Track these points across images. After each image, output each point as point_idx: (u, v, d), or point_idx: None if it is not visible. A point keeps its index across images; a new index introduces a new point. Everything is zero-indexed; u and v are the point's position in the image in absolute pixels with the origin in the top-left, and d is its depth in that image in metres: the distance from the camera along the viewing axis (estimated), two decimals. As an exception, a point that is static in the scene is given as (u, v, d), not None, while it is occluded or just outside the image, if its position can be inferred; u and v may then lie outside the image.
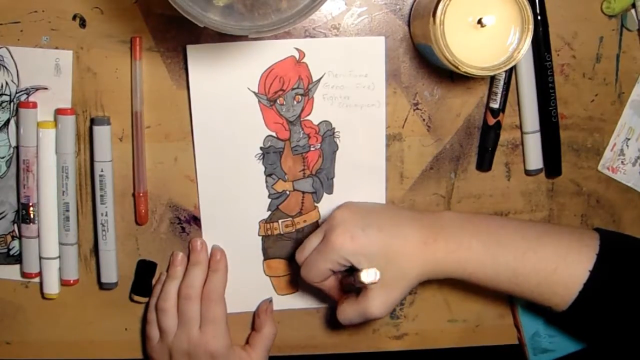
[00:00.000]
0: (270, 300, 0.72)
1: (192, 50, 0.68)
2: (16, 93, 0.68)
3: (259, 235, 0.72)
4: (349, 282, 0.62)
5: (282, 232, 0.72)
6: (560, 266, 0.58)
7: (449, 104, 0.71)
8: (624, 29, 0.70)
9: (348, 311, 0.63)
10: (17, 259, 0.71)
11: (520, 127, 0.71)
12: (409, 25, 0.69)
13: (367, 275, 0.57)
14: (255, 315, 0.72)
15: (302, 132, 0.70)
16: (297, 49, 0.68)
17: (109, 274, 0.70)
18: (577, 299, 0.58)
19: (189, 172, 0.70)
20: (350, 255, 0.60)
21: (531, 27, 0.61)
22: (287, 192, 0.71)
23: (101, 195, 0.68)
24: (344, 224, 0.60)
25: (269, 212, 0.71)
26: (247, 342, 0.72)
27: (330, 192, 0.71)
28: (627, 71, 0.71)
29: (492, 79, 0.70)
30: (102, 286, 0.71)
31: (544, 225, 0.64)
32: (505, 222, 0.62)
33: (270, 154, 0.70)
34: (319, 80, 0.69)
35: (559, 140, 0.71)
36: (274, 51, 0.68)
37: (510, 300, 0.74)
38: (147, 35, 0.68)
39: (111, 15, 0.67)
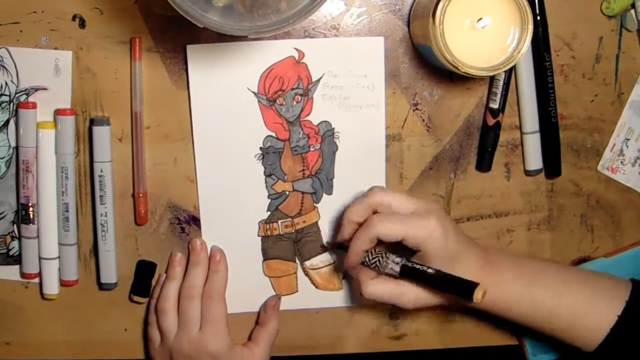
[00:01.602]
0: (278, 297, 0.72)
1: (192, 50, 0.68)
2: (16, 93, 0.68)
3: (258, 235, 0.72)
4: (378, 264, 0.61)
5: (281, 233, 0.72)
6: (591, 311, 0.62)
7: (448, 105, 0.71)
8: (623, 30, 0.70)
9: (380, 288, 0.62)
10: (17, 259, 0.71)
11: (520, 128, 0.71)
12: (408, 26, 0.69)
13: (477, 296, 0.57)
14: (261, 310, 0.72)
15: (301, 132, 0.70)
16: (296, 49, 0.68)
17: (109, 275, 0.70)
18: (603, 342, 0.61)
19: (188, 172, 0.70)
20: (430, 242, 0.60)
21: (531, 27, 0.61)
22: (287, 193, 0.71)
23: (101, 196, 0.68)
24: (443, 218, 0.61)
25: (269, 213, 0.71)
26: (249, 338, 0.72)
27: (329, 192, 0.71)
28: (626, 71, 0.71)
29: (492, 79, 0.70)
30: (101, 286, 0.71)
31: (581, 271, 0.68)
32: (545, 266, 0.66)
33: (269, 154, 0.70)
34: (318, 81, 0.69)
35: (558, 141, 0.71)
36: (273, 51, 0.68)
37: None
38: (147, 36, 0.68)
39: (111, 15, 0.67)
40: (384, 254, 0.62)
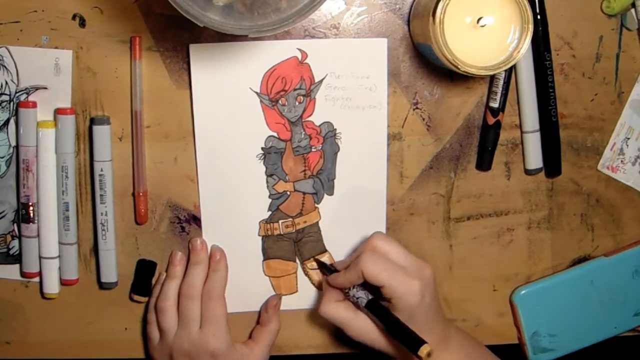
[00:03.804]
0: (279, 297, 0.72)
1: (194, 49, 0.68)
2: (16, 93, 0.68)
3: (259, 235, 0.72)
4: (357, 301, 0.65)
5: (282, 233, 0.72)
6: None
7: (448, 104, 0.71)
8: (623, 29, 0.70)
9: (337, 312, 0.65)
10: (17, 258, 0.71)
11: (520, 127, 0.71)
12: (408, 25, 0.69)
13: (422, 352, 0.59)
14: (262, 310, 0.72)
15: (303, 132, 0.70)
16: (299, 49, 0.68)
17: (109, 274, 0.70)
18: None
19: (188, 171, 0.70)
20: (403, 302, 0.62)
21: (531, 26, 0.61)
22: (288, 193, 0.71)
23: (101, 195, 0.68)
24: (427, 286, 0.63)
25: (270, 213, 0.71)
26: (250, 337, 0.72)
27: (330, 193, 0.71)
28: (626, 70, 0.71)
29: (492, 78, 0.70)
30: (102, 286, 0.71)
31: None
32: None
33: (271, 155, 0.70)
34: (321, 81, 0.69)
35: (558, 140, 0.71)
36: (276, 51, 0.68)
37: (510, 299, 0.74)
38: (147, 35, 0.68)
39: (111, 14, 0.67)
40: (357, 285, 0.65)
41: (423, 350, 0.58)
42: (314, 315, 0.74)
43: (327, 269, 0.70)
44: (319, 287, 0.73)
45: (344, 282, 0.65)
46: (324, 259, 0.72)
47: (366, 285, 0.64)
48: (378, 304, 0.63)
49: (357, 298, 0.64)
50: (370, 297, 0.64)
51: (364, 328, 0.65)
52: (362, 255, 0.64)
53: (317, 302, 0.73)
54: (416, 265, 0.64)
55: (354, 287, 0.65)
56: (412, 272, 0.63)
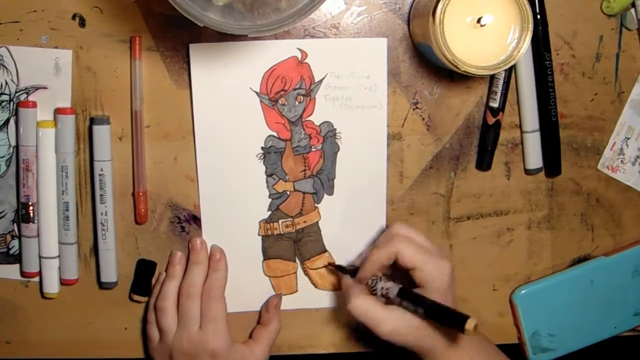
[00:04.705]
0: (280, 296, 0.72)
1: (194, 49, 0.68)
2: (16, 92, 0.68)
3: (259, 235, 0.72)
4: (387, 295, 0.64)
5: (282, 232, 0.72)
6: None
7: (448, 103, 0.71)
8: (623, 28, 0.70)
9: (366, 307, 0.63)
10: (17, 258, 0.71)
11: (520, 126, 0.71)
12: (408, 25, 0.69)
13: (469, 326, 0.58)
14: (263, 309, 0.72)
15: (303, 132, 0.70)
16: (299, 49, 0.68)
17: (109, 274, 0.70)
18: None
19: (188, 171, 0.70)
20: (437, 283, 0.62)
21: (531, 26, 0.61)
22: (288, 193, 0.71)
23: (101, 195, 0.68)
24: (453, 270, 0.64)
25: (269, 212, 0.71)
26: (250, 337, 0.72)
27: (330, 193, 0.71)
28: (626, 70, 0.71)
29: (492, 78, 0.70)
30: (101, 285, 0.71)
31: None
32: None
33: (271, 154, 0.70)
34: (321, 81, 0.69)
35: (558, 140, 0.71)
36: (276, 51, 0.68)
37: (510, 299, 0.74)
38: (147, 35, 0.68)
39: (111, 14, 0.67)
40: (383, 276, 0.65)
41: (471, 324, 0.57)
42: (314, 315, 0.74)
43: (345, 271, 0.69)
44: (319, 287, 0.73)
45: (373, 264, 0.63)
46: (324, 258, 0.72)
47: (392, 276, 0.64)
48: (410, 291, 0.62)
49: (387, 289, 0.63)
50: (400, 285, 0.63)
51: (398, 323, 0.62)
52: (395, 238, 0.63)
53: (337, 303, 0.73)
54: (439, 250, 0.65)
55: (380, 280, 0.64)
56: (442, 255, 0.64)
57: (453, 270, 0.64)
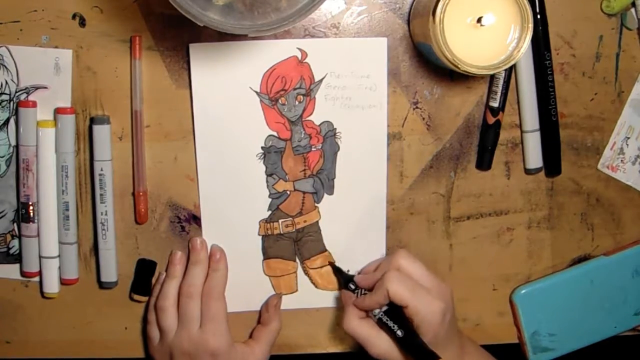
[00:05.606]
0: (280, 296, 0.72)
1: (194, 49, 0.68)
2: (16, 92, 0.68)
3: (259, 234, 0.72)
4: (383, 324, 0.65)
5: (282, 232, 0.72)
6: None
7: (448, 103, 0.71)
8: (623, 28, 0.70)
9: (360, 329, 0.65)
10: (17, 258, 0.71)
11: (520, 126, 0.71)
12: (408, 24, 0.69)
13: None
14: (263, 309, 0.72)
15: (303, 132, 0.70)
16: (299, 49, 0.68)
17: (109, 273, 0.70)
18: None
19: (188, 171, 0.70)
20: (426, 322, 0.63)
21: (531, 26, 0.61)
22: (288, 192, 0.71)
23: (101, 195, 0.68)
24: (447, 307, 0.64)
25: (269, 212, 0.71)
26: (250, 336, 0.72)
27: (330, 192, 0.71)
28: (626, 70, 0.71)
29: (492, 77, 0.70)
30: (101, 285, 0.71)
31: None
32: None
33: (271, 154, 0.70)
34: (321, 81, 0.69)
35: (558, 139, 0.71)
36: (276, 51, 0.68)
37: (510, 299, 0.74)
38: (147, 35, 0.68)
39: (111, 14, 0.67)
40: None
41: None
42: (314, 314, 0.74)
43: (341, 274, 0.71)
44: (319, 286, 0.73)
45: (371, 304, 0.65)
46: (324, 258, 0.72)
47: (390, 305, 0.64)
48: (384, 323, 0.64)
49: (372, 314, 0.65)
50: (377, 314, 0.64)
51: (386, 346, 0.65)
52: (387, 274, 0.64)
53: (337, 302, 0.73)
54: (438, 286, 0.65)
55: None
56: (435, 293, 0.64)
57: (446, 307, 0.64)
